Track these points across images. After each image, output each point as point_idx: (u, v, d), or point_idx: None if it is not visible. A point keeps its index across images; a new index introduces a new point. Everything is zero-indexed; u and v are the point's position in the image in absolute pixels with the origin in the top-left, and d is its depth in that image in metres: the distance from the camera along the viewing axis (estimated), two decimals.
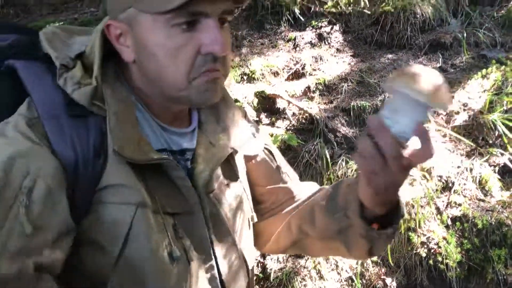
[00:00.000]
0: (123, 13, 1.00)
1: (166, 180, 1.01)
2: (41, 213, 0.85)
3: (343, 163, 3.00)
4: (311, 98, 3.54)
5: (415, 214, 2.72)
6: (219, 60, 0.98)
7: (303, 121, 3.33)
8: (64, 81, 0.96)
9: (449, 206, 2.78)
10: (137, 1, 0.97)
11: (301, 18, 4.20)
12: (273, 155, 1.32)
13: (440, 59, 3.86)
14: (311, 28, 4.17)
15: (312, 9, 4.25)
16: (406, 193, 2.78)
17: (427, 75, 0.85)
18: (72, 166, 0.91)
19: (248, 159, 1.27)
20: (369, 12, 4.16)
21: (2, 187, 0.82)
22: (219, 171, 1.15)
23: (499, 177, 2.92)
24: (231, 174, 1.19)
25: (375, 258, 2.69)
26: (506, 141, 3.02)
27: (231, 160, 1.20)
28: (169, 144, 1.09)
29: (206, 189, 1.09)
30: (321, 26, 4.17)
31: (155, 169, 0.99)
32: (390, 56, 3.98)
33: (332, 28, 4.17)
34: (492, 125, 3.11)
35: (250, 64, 3.71)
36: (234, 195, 1.17)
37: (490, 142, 3.11)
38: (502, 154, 2.99)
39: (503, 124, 3.05)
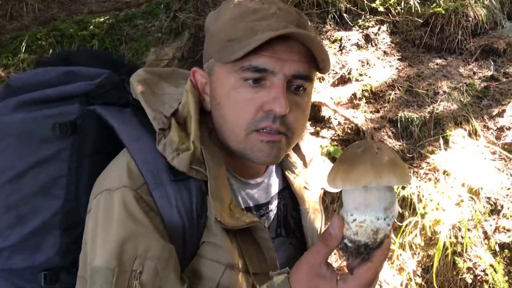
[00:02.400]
0: (206, 63, 1.09)
1: (251, 239, 1.07)
2: None
3: None
4: (357, 106, 3.49)
5: (462, 238, 2.69)
6: (280, 120, 1.01)
7: (349, 131, 3.30)
8: (164, 147, 1.01)
9: (497, 231, 2.74)
10: (216, 52, 1.05)
11: (347, 16, 4.10)
12: None
13: (492, 67, 3.73)
14: (357, 28, 4.07)
15: (359, 6, 4.13)
16: (453, 214, 2.75)
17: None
18: (180, 231, 0.98)
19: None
20: (419, 13, 4.02)
21: (118, 276, 0.90)
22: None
23: None
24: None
25: (419, 280, 2.69)
26: None
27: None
28: (246, 200, 1.15)
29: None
30: (368, 26, 4.06)
31: (244, 229, 1.04)
32: (439, 61, 3.87)
33: (379, 29, 4.06)
34: None
35: None
36: None
37: None
38: None
39: None
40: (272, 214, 1.21)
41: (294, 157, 1.27)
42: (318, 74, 3.62)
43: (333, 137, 3.27)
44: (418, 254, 2.77)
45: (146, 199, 0.98)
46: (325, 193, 1.39)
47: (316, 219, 1.26)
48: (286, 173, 1.24)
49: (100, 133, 1.10)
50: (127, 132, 1.05)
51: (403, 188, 2.94)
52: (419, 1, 3.92)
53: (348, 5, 4.10)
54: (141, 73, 1.14)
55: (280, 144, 1.04)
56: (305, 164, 1.30)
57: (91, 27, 4.10)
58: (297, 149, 1.29)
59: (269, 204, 1.20)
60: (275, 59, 0.99)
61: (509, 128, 3.24)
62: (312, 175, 1.30)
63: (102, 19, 4.21)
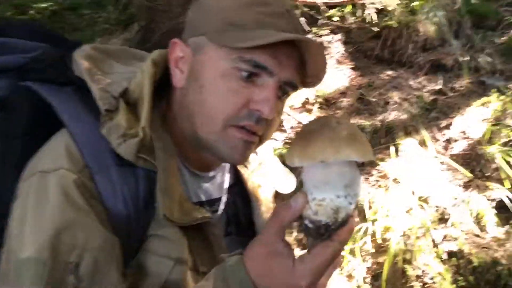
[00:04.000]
0: (193, 38, 0.99)
1: (202, 236, 0.99)
2: None
3: None
4: (310, 111, 3.45)
5: (411, 246, 2.68)
6: (262, 122, 0.95)
7: None
8: (108, 131, 0.91)
9: (445, 239, 2.75)
10: (213, 32, 0.95)
11: (305, 20, 4.09)
12: None
13: (440, 81, 3.81)
14: (312, 35, 4.06)
15: (314, 16, 4.14)
16: (403, 222, 2.74)
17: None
18: (124, 221, 0.89)
19: None
20: (372, 25, 4.08)
21: (50, 268, 0.79)
22: None
23: (495, 212, 2.89)
24: None
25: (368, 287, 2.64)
26: (503, 176, 3.00)
27: None
28: (198, 194, 1.07)
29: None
30: (322, 35, 4.07)
31: (196, 225, 0.96)
32: (390, 72, 3.92)
33: (333, 38, 4.08)
34: (490, 157, 3.09)
35: None
36: None
37: (487, 174, 3.09)
38: (498, 188, 2.97)
39: (502, 158, 3.03)
40: (221, 211, 1.12)
41: None
42: None
43: (285, 140, 3.20)
44: (368, 261, 2.72)
45: (88, 185, 0.87)
46: (277, 195, 1.30)
47: None
48: (239, 168, 1.17)
49: (34, 112, 0.96)
50: (68, 111, 0.93)
51: None
52: (373, 13, 3.96)
53: (305, 9, 4.09)
54: (86, 48, 1.02)
55: (253, 145, 0.99)
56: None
57: (32, 12, 3.82)
58: None
59: (221, 199, 1.12)
60: (276, 60, 0.92)
61: (456, 140, 3.30)
62: (265, 174, 1.24)
63: (44, 5, 3.95)
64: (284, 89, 0.97)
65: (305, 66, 0.97)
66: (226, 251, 0.98)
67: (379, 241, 2.72)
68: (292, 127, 3.27)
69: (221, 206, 1.11)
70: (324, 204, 0.77)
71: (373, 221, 2.78)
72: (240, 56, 0.91)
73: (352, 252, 2.72)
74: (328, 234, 0.78)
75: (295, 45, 0.93)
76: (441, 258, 2.68)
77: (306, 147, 0.77)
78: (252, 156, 1.17)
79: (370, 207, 2.84)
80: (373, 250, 2.73)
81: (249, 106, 0.93)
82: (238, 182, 1.17)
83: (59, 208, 0.83)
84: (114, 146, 0.90)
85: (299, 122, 3.25)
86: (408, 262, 2.66)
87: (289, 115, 3.29)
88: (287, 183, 1.27)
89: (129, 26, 3.78)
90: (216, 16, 0.96)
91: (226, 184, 1.14)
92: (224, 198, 1.12)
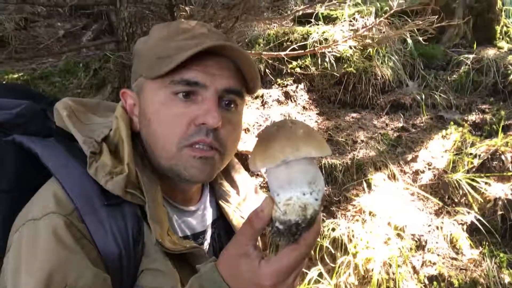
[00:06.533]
0: (135, 82, 1.06)
1: (189, 267, 0.99)
2: None
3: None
4: None
5: (393, 274, 2.74)
6: (212, 134, 0.98)
7: None
8: (95, 170, 0.94)
9: (424, 265, 2.83)
10: (145, 69, 1.02)
11: (268, 76, 4.29)
12: None
13: (402, 119, 4.04)
14: (277, 86, 4.27)
15: (278, 67, 4.36)
16: (383, 252, 2.81)
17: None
18: (117, 259, 0.90)
19: None
20: (333, 72, 4.31)
21: None
22: None
23: (467, 235, 3.02)
24: None
25: None
26: (471, 200, 3.15)
27: None
28: (183, 228, 1.09)
29: None
30: (287, 85, 4.27)
31: (183, 256, 0.98)
32: (354, 114, 4.12)
33: (297, 87, 4.29)
34: (456, 184, 3.24)
35: None
36: None
37: (456, 200, 3.23)
38: (468, 213, 3.11)
39: (467, 183, 3.20)
40: (207, 245, 1.15)
41: (228, 187, 1.24)
42: (243, 126, 3.65)
43: (261, 184, 3.28)
44: None
45: (78, 226, 0.88)
46: None
47: None
48: (220, 202, 1.20)
49: (20, 165, 0.99)
50: (53, 158, 0.96)
51: (333, 230, 2.98)
52: (333, 61, 4.20)
53: (267, 64, 4.30)
54: (66, 101, 1.07)
55: (213, 160, 1.01)
56: (238, 194, 1.26)
57: (4, 82, 3.89)
58: (231, 181, 1.26)
59: (205, 233, 1.14)
60: (206, 73, 0.98)
61: (423, 172, 3.46)
62: (248, 208, 1.25)
63: (16, 75, 4.03)
64: (228, 98, 1.02)
65: (242, 72, 1.02)
66: None
67: (362, 272, 2.78)
68: (266, 171, 3.36)
69: (208, 239, 1.13)
70: (291, 203, 0.78)
71: (354, 254, 2.85)
72: (172, 80, 0.97)
73: (337, 286, 2.76)
74: (299, 233, 0.79)
75: (224, 56, 0.99)
76: (422, 283, 2.75)
77: (266, 150, 0.78)
78: (230, 188, 1.22)
79: (350, 241, 2.91)
80: (357, 282, 2.78)
81: (195, 122, 0.97)
82: (221, 216, 1.20)
83: (50, 249, 0.84)
84: (103, 183, 0.92)
85: None
86: None
87: None
88: None
89: (101, 88, 3.88)
90: (147, 56, 1.03)
91: (209, 219, 1.16)
92: (209, 231, 1.15)
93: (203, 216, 1.15)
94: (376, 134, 3.80)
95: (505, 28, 5.05)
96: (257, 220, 0.80)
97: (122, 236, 0.91)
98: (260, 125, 3.79)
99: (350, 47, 4.22)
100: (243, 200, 1.25)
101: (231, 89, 1.01)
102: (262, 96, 4.12)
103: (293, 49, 3.89)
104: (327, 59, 4.15)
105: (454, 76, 4.42)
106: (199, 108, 0.97)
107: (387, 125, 4.00)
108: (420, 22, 3.34)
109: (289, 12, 4.73)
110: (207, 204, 1.18)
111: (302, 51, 3.90)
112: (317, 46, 4.01)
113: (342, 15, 4.82)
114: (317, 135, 0.81)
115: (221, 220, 1.20)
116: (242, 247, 0.82)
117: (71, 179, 0.93)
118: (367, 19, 3.89)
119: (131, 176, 0.96)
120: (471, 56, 4.50)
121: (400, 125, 3.97)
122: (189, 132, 0.97)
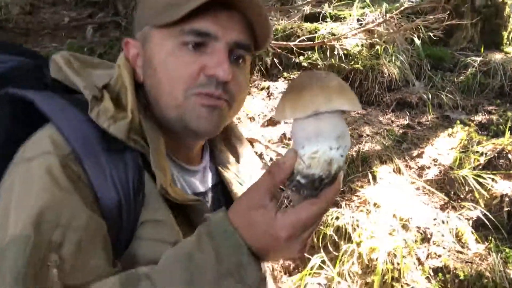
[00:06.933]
0: (140, 32, 1.01)
1: (191, 221, 0.96)
2: (74, 272, 0.77)
3: None
4: (287, 145, 3.53)
5: (398, 264, 2.69)
6: (222, 87, 0.95)
7: None
8: (97, 114, 0.89)
9: (429, 257, 2.79)
10: (152, 17, 0.97)
11: (274, 69, 4.27)
12: None
13: (407, 117, 4.01)
14: (283, 79, 4.24)
15: (284, 61, 4.34)
16: (387, 242, 2.77)
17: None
18: (115, 208, 0.86)
19: None
20: (340, 68, 4.30)
21: (33, 245, 0.74)
22: None
23: (473, 230, 2.97)
24: None
25: None
26: (477, 195, 3.11)
27: None
28: (184, 186, 1.05)
29: None
30: (293, 78, 4.24)
31: (184, 210, 0.95)
32: (359, 111, 4.10)
33: None
34: (462, 180, 3.21)
35: None
36: None
37: (462, 196, 3.19)
38: (474, 208, 3.07)
39: (474, 179, 3.16)
40: (208, 206, 1.11)
41: (227, 154, 1.22)
42: (249, 114, 3.62)
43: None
44: (357, 282, 2.71)
45: (74, 168, 0.84)
46: None
47: None
48: (220, 168, 1.17)
49: (14, 119, 0.94)
50: (51, 105, 0.91)
51: (337, 218, 2.93)
52: (341, 55, 4.19)
53: (274, 57, 4.28)
54: (65, 54, 1.03)
55: (222, 111, 0.98)
56: (237, 161, 1.23)
57: None
58: (231, 147, 1.23)
59: (206, 195, 1.11)
60: (218, 25, 0.94)
61: (428, 167, 3.43)
62: (247, 174, 1.22)
63: None
64: (237, 53, 0.98)
65: (252, 27, 0.99)
66: None
67: (366, 261, 2.73)
68: (271, 159, 3.32)
69: (209, 201, 1.10)
70: (317, 156, 0.75)
71: (358, 243, 2.80)
72: (181, 30, 0.93)
73: (340, 274, 2.71)
74: (322, 188, 0.76)
75: (235, 9, 0.95)
76: (427, 274, 2.70)
77: (297, 99, 0.74)
78: (233, 159, 1.19)
79: (354, 230, 2.87)
80: (360, 272, 2.73)
81: (205, 72, 0.94)
82: (220, 182, 1.17)
83: (43, 187, 0.80)
84: (105, 127, 0.88)
85: (279, 154, 3.32)
86: (397, 280, 2.66)
87: (268, 147, 3.36)
88: None
89: None
90: (153, 3, 0.99)
91: (209, 182, 1.13)
92: (209, 195, 1.11)
93: (204, 177, 1.12)
94: (381, 130, 3.77)
95: None
96: (278, 171, 0.76)
97: (122, 184, 0.87)
98: (265, 115, 3.76)
99: (357, 45, 4.21)
100: (242, 168, 1.22)
101: (242, 43, 0.98)
102: (268, 88, 4.09)
103: (302, 41, 3.88)
104: (335, 52, 4.14)
105: (461, 77, 4.42)
106: (210, 59, 0.94)
107: (392, 122, 3.98)
108: (432, 17, 3.33)
109: (295, 11, 4.74)
110: (207, 168, 1.15)
111: (311, 42, 3.89)
112: (326, 39, 3.99)
113: (350, 15, 4.82)
114: (350, 89, 0.78)
115: (220, 186, 1.16)
116: (259, 198, 0.78)
117: (69, 121, 0.88)
118: (377, 15, 3.89)
119: (135, 122, 0.92)
120: (478, 59, 4.50)
121: (406, 122, 3.94)
122: (199, 82, 0.94)
